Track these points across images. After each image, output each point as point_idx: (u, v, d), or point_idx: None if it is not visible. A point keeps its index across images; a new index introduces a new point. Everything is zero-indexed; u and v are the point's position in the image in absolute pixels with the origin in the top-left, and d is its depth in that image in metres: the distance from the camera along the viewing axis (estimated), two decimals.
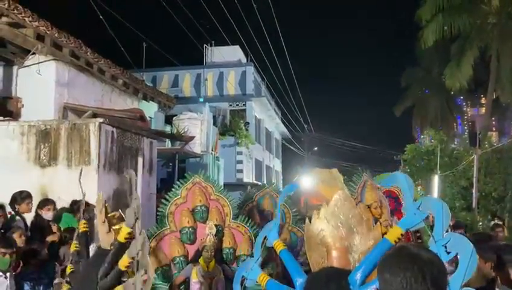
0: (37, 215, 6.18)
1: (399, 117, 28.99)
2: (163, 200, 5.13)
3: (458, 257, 2.27)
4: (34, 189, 6.52)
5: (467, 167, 18.16)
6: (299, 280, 2.88)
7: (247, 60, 25.25)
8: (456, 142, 25.53)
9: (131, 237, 2.85)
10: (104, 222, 3.05)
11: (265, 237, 3.33)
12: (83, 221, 3.76)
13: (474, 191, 15.85)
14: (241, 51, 25.34)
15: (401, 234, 2.60)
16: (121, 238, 2.86)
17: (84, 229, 3.70)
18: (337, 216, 3.01)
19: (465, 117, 28.63)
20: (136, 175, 7.75)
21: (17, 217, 5.90)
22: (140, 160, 7.91)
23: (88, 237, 3.81)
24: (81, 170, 4.01)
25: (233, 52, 24.66)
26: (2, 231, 5.51)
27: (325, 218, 3.02)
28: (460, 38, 20.74)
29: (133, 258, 2.75)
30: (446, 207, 2.43)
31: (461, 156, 19.53)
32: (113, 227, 3.06)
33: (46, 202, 6.29)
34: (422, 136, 27.74)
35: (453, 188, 18.55)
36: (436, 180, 17.69)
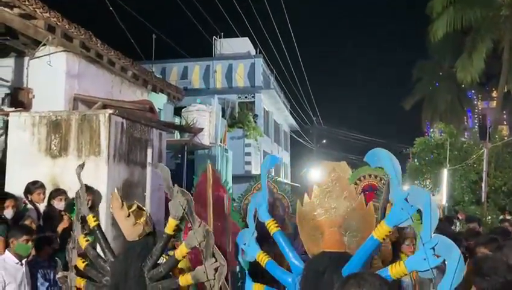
0: (49, 205, 6.28)
1: (408, 110, 28.84)
2: None
3: (446, 263, 2.19)
4: (45, 179, 6.60)
5: (476, 160, 18.04)
6: (297, 265, 2.86)
7: (256, 52, 25.20)
8: (466, 136, 25.36)
9: (178, 228, 3.13)
10: (128, 216, 3.16)
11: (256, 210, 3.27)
12: (91, 215, 3.69)
13: (483, 185, 15.75)
14: (250, 42, 25.29)
15: (389, 231, 2.44)
16: (169, 230, 3.08)
17: (96, 222, 3.66)
18: (329, 198, 2.83)
19: (476, 110, 28.41)
20: (145, 166, 7.85)
21: (30, 207, 6.00)
22: (149, 151, 7.94)
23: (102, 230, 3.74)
24: (83, 163, 4.07)
25: (243, 44, 24.63)
26: (13, 220, 5.61)
27: (317, 199, 2.87)
28: (472, 31, 20.54)
29: (192, 248, 2.96)
30: (434, 202, 2.26)
31: (471, 149, 19.40)
32: (139, 220, 3.18)
33: (58, 192, 6.38)
34: (431, 130, 27.58)
35: (462, 182, 18.46)
36: (445, 174, 17.61)
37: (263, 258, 3.08)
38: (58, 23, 7.70)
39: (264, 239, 3.20)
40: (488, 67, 20.98)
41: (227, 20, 18.64)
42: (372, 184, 6.46)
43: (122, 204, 3.24)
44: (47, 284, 4.93)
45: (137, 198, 7.57)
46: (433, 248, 2.20)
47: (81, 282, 3.56)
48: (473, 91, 28.00)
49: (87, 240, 3.64)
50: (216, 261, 2.86)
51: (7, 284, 4.39)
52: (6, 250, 4.62)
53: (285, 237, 3.09)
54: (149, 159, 7.94)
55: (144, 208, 3.34)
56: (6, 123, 7.20)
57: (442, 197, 16.78)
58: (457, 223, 11.19)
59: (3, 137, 7.25)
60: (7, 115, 7.21)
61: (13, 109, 7.52)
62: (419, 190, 2.39)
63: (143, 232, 3.22)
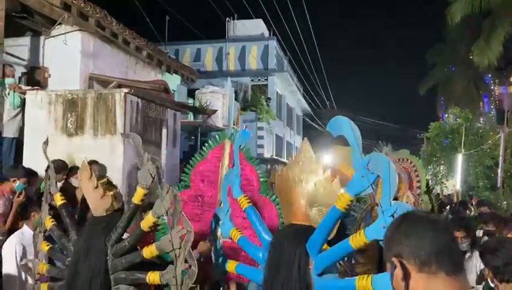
0: (66, 182, 6.35)
1: (423, 95, 28.48)
2: None
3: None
4: (62, 157, 6.63)
5: (492, 145, 17.84)
6: (266, 239, 2.81)
7: (270, 34, 24.97)
8: (481, 121, 25.04)
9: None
10: (96, 187, 2.94)
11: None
12: (59, 193, 3.37)
13: (499, 170, 15.59)
14: (264, 24, 25.07)
15: (351, 200, 2.38)
16: (137, 199, 2.81)
17: (64, 201, 3.33)
18: (300, 170, 2.76)
19: (493, 95, 27.96)
20: (160, 146, 7.87)
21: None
22: (164, 131, 7.96)
23: (70, 209, 3.43)
24: (47, 139, 3.68)
25: (256, 26, 24.40)
26: (36, 197, 5.69)
27: (290, 171, 2.80)
28: (490, 14, 20.11)
29: (158, 217, 2.73)
30: (393, 168, 2.20)
31: (486, 134, 19.18)
32: (108, 193, 2.94)
33: (75, 170, 6.44)
34: (446, 115, 27.26)
35: (477, 167, 18.29)
36: (459, 159, 17.46)
37: (236, 235, 3.07)
38: (74, 2, 7.70)
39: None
40: (507, 51, 20.55)
41: (241, 1, 18.56)
42: (404, 167, 6.45)
43: (91, 174, 2.97)
44: (64, 257, 5.00)
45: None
46: (393, 215, 2.13)
47: (43, 268, 3.29)
48: (489, 76, 27.52)
49: (52, 221, 3.34)
50: (183, 228, 2.62)
51: (25, 254, 4.46)
52: (24, 224, 4.69)
53: (256, 212, 3.06)
54: (164, 139, 7.97)
55: (115, 183, 3.08)
56: (23, 101, 7.25)
57: (456, 183, 16.67)
58: (472, 209, 11.12)
59: (20, 115, 7.31)
60: (24, 93, 7.26)
61: (30, 87, 7.57)
62: (379, 156, 2.33)
63: (111, 207, 2.95)
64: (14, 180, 5.33)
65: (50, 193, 3.39)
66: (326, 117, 34.58)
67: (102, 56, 8.72)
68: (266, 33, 25.28)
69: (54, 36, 8.11)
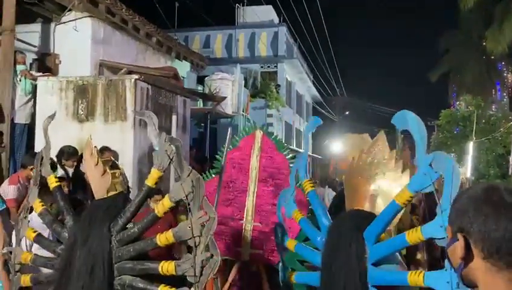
0: (77, 170, 6.41)
1: (435, 82, 28.20)
2: None
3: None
4: (73, 143, 6.70)
5: (503, 133, 17.66)
6: (325, 223, 2.77)
7: (280, 20, 24.79)
8: (494, 109, 24.78)
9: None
10: (97, 164, 2.71)
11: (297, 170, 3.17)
12: (53, 175, 3.04)
13: (511, 158, 15.46)
14: (274, 10, 24.88)
15: (411, 197, 2.32)
16: (150, 182, 2.54)
17: (58, 183, 2.98)
18: (372, 159, 2.79)
19: (505, 83, 27.61)
20: (170, 133, 7.90)
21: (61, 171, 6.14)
22: (174, 118, 7.98)
23: (63, 192, 3.11)
24: (53, 114, 3.22)
25: (266, 12, 24.22)
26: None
27: (360, 161, 2.84)
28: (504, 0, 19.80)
29: (177, 202, 2.46)
30: (457, 169, 2.14)
31: (498, 122, 18.99)
32: (110, 171, 2.70)
33: (82, 156, 6.51)
34: (458, 102, 27.00)
35: (488, 155, 18.15)
36: (470, 146, 17.31)
37: (297, 215, 3.06)
38: None
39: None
40: None
41: None
42: None
43: (92, 151, 2.74)
44: None
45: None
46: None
47: (27, 256, 2.97)
48: (503, 63, 27.16)
49: (42, 205, 3.04)
50: (205, 214, 2.37)
51: (33, 243, 4.51)
52: (33, 211, 4.73)
53: (317, 196, 3.05)
54: (174, 126, 7.99)
55: (120, 166, 2.87)
56: (34, 88, 7.30)
57: (467, 171, 16.55)
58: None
59: (32, 101, 7.36)
60: (35, 79, 7.30)
61: (41, 73, 7.61)
62: (443, 156, 2.31)
63: (112, 187, 2.70)
64: (32, 168, 5.39)
65: (41, 175, 3.04)
66: (336, 104, 34.43)
67: (113, 42, 8.73)
68: (276, 19, 25.09)
69: (64, 22, 8.13)
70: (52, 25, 8.25)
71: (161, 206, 2.50)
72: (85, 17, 8.12)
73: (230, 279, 4.52)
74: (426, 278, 2.21)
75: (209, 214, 2.36)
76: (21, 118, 7.25)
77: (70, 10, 7.95)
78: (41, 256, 2.94)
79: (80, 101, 7.12)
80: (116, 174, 2.71)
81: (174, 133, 7.84)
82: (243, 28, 24.10)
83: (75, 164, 6.38)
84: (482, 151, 18.24)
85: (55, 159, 6.27)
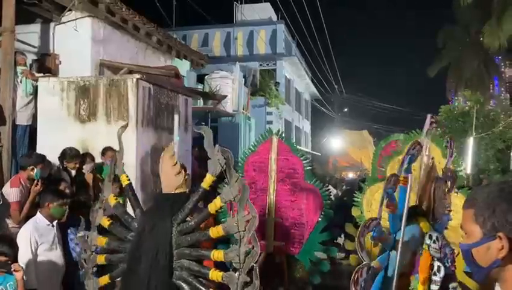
0: (79, 171, 6.39)
1: (433, 78, 28.18)
2: None
3: None
4: (75, 144, 6.68)
5: (503, 128, 17.67)
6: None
7: (278, 18, 24.74)
8: (492, 104, 24.79)
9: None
10: (174, 165, 3.27)
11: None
12: (125, 174, 3.69)
13: (511, 153, 15.47)
14: (272, 8, 24.82)
15: None
16: (206, 185, 3.11)
17: (129, 181, 3.66)
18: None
19: (503, 78, 27.61)
20: (173, 132, 7.87)
21: (63, 172, 6.10)
22: (176, 117, 7.94)
23: (133, 189, 3.75)
24: (126, 124, 4.13)
25: (264, 10, 24.17)
26: (46, 182, 5.72)
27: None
28: None
29: (225, 202, 3.05)
30: None
31: (498, 117, 18.99)
32: (184, 173, 3.28)
33: (88, 157, 6.48)
34: (456, 98, 26.99)
35: (488, 150, 18.15)
36: (470, 142, 17.30)
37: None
38: None
39: None
40: None
41: None
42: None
43: (173, 154, 3.37)
44: None
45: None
46: None
47: (102, 240, 3.59)
48: (500, 57, 27.15)
49: (116, 199, 3.68)
50: (248, 213, 2.90)
51: (40, 244, 4.48)
52: (38, 212, 4.71)
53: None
54: (176, 125, 7.96)
55: (187, 171, 3.44)
56: (35, 88, 7.25)
57: (467, 166, 16.56)
58: None
59: (33, 102, 7.31)
60: (36, 80, 7.26)
61: (41, 74, 7.56)
62: None
63: (180, 186, 3.26)
64: (32, 169, 5.35)
65: (115, 174, 3.69)
66: (335, 101, 34.41)
67: (113, 42, 8.68)
68: (274, 17, 25.04)
69: (64, 23, 8.08)
70: (52, 25, 8.21)
71: (213, 205, 3.08)
72: (85, 17, 8.08)
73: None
74: None
75: (252, 214, 2.90)
76: (22, 119, 7.21)
77: (70, 10, 7.91)
78: (114, 241, 3.56)
79: (81, 102, 7.08)
80: (186, 177, 3.30)
81: (176, 133, 7.81)
82: (241, 26, 24.06)
83: (78, 165, 6.35)
84: (482, 147, 18.24)
85: (56, 160, 6.27)
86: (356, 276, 3.21)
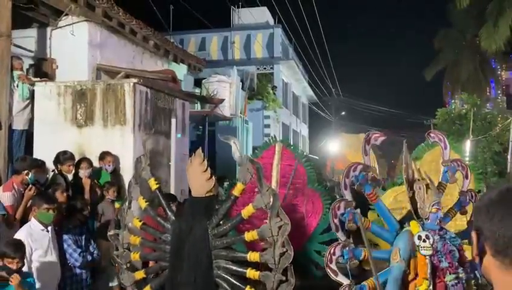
0: (76, 175, 6.35)
1: (429, 81, 28.25)
2: None
3: None
4: (71, 148, 6.66)
5: (500, 131, 17.69)
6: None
7: (275, 22, 24.77)
8: (489, 106, 24.85)
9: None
10: (205, 171, 3.52)
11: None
12: (153, 178, 3.93)
13: (509, 156, 15.49)
14: (269, 12, 24.85)
15: None
16: (237, 192, 3.43)
17: (158, 185, 3.92)
18: None
19: (499, 81, 27.70)
20: (170, 136, 7.86)
21: (59, 177, 6.06)
22: (173, 121, 7.93)
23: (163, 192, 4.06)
24: (150, 135, 4.42)
25: (261, 14, 24.19)
26: (43, 188, 5.69)
27: None
28: None
29: (257, 209, 3.33)
30: None
31: (494, 120, 19.01)
32: (214, 178, 3.55)
33: (81, 161, 6.44)
34: (453, 101, 27.04)
35: (485, 153, 18.16)
36: (468, 145, 17.31)
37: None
38: None
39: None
40: None
41: None
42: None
43: (203, 160, 3.61)
44: (79, 250, 5.01)
45: (163, 167, 7.62)
46: None
47: (136, 239, 3.82)
48: (496, 60, 27.24)
49: (146, 202, 3.90)
50: (281, 220, 3.17)
51: (34, 250, 4.45)
52: (32, 217, 4.68)
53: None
54: (173, 129, 7.95)
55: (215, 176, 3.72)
56: (32, 93, 7.23)
57: None
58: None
59: (29, 107, 7.28)
60: (33, 84, 7.24)
61: (38, 79, 7.54)
62: None
63: (210, 191, 3.51)
64: (27, 173, 5.32)
65: (140, 176, 3.97)
66: (332, 105, 34.42)
67: (110, 46, 8.67)
68: (271, 21, 25.07)
69: (60, 27, 8.06)
70: (49, 29, 8.18)
71: (246, 211, 3.39)
72: (81, 21, 8.06)
73: None
74: None
75: (284, 220, 3.19)
76: (19, 124, 7.17)
77: (66, 15, 7.89)
78: (148, 241, 3.92)
79: (78, 106, 7.06)
80: (214, 181, 3.56)
81: (173, 137, 7.80)
82: (238, 30, 24.08)
83: (72, 168, 6.31)
84: (479, 149, 18.26)
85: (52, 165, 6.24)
86: None
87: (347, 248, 3.80)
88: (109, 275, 5.60)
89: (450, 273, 3.37)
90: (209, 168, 3.56)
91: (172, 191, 7.46)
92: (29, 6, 7.50)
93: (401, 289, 3.50)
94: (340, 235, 3.91)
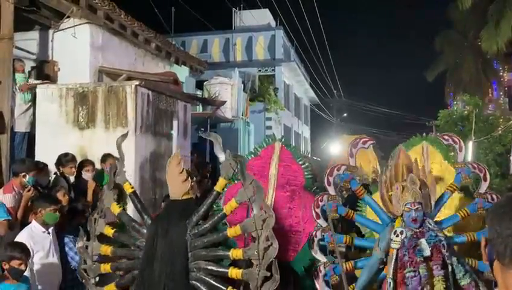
0: (78, 177, 6.35)
1: (431, 82, 28.23)
2: None
3: None
4: (73, 150, 6.66)
5: (503, 132, 17.64)
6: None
7: (277, 24, 24.79)
8: (491, 108, 24.81)
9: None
10: (181, 172, 3.39)
11: None
12: (128, 182, 3.76)
13: (511, 157, 15.44)
14: (270, 14, 24.87)
15: None
16: (219, 188, 3.31)
17: (133, 189, 3.76)
18: None
19: (502, 82, 27.65)
20: (172, 138, 7.85)
21: (61, 179, 6.07)
22: (175, 123, 7.93)
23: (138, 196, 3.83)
24: (126, 133, 4.17)
25: (263, 16, 24.21)
26: (45, 190, 5.69)
27: None
28: None
29: (239, 203, 3.20)
30: None
31: (497, 121, 18.96)
32: (190, 180, 3.43)
33: (85, 163, 6.44)
34: (455, 102, 27.00)
35: (487, 154, 18.11)
36: (470, 146, 17.27)
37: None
38: None
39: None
40: None
41: None
42: None
43: (180, 162, 3.47)
44: None
45: (164, 169, 7.61)
46: None
47: (107, 249, 3.62)
48: (498, 62, 27.20)
49: (120, 207, 3.72)
50: (265, 213, 3.06)
51: (35, 252, 4.45)
52: (33, 219, 4.68)
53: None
54: (175, 131, 7.94)
55: (194, 177, 3.65)
56: (34, 95, 7.24)
57: None
58: None
59: (31, 109, 7.30)
60: (35, 87, 7.25)
61: (40, 81, 7.55)
62: None
63: (187, 193, 3.38)
64: (24, 175, 5.32)
65: (115, 181, 3.78)
66: (334, 106, 34.40)
67: (111, 49, 8.68)
68: (273, 23, 25.09)
69: (62, 29, 8.08)
70: (51, 32, 8.20)
71: (228, 206, 3.25)
72: (83, 23, 8.07)
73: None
74: None
75: (268, 213, 3.06)
76: (21, 126, 7.19)
77: (68, 17, 7.91)
78: (121, 248, 3.66)
79: (80, 108, 7.07)
80: (192, 183, 3.45)
81: (175, 139, 7.79)
82: (240, 31, 24.10)
83: (74, 170, 6.31)
84: (481, 151, 18.21)
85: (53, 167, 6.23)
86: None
87: (328, 233, 4.21)
88: (109, 277, 5.59)
89: (408, 267, 3.66)
90: (185, 170, 3.43)
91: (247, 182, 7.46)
92: (31, 9, 7.51)
93: (374, 275, 3.98)
94: (321, 222, 4.30)
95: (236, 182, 5.20)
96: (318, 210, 4.30)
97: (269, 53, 23.94)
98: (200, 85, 14.93)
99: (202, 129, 13.18)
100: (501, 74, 28.69)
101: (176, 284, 3.14)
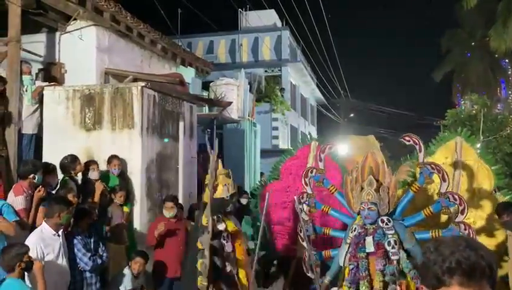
0: (85, 178, 6.38)
1: (439, 82, 28.06)
2: None
3: None
4: (80, 152, 6.70)
5: (511, 131, 17.50)
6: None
7: (283, 24, 24.76)
8: (499, 107, 24.62)
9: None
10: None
11: None
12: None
13: None
14: (276, 14, 24.85)
15: None
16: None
17: None
18: None
19: (510, 81, 27.41)
20: (178, 140, 7.86)
21: (70, 180, 6.08)
22: (181, 124, 7.95)
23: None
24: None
25: (269, 16, 24.19)
26: (53, 192, 5.71)
27: None
28: None
29: None
30: None
31: (505, 120, 18.81)
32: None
33: (90, 163, 6.47)
34: (463, 102, 26.82)
35: (496, 154, 17.96)
36: (478, 146, 17.14)
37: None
38: None
39: None
40: None
41: None
42: None
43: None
44: (89, 254, 5.01)
45: (171, 170, 7.63)
46: None
47: None
48: (506, 60, 26.99)
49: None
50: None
51: (46, 254, 4.46)
52: (43, 222, 4.69)
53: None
54: (181, 132, 7.96)
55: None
56: (41, 97, 7.28)
57: None
58: None
59: (39, 111, 7.34)
60: (42, 89, 7.29)
61: (47, 83, 7.59)
62: None
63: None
64: (33, 177, 5.34)
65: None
66: (341, 107, 34.29)
67: (118, 50, 8.71)
68: (279, 23, 25.07)
69: (69, 32, 8.12)
70: (57, 34, 8.25)
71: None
72: (90, 25, 8.11)
73: (290, 274, 5.39)
74: None
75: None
76: (28, 128, 7.23)
77: (75, 19, 7.95)
78: None
79: (86, 110, 7.10)
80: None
81: (181, 140, 7.81)
82: (246, 32, 24.10)
83: (80, 168, 6.31)
84: (490, 150, 18.05)
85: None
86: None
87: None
88: (118, 279, 5.60)
89: (350, 260, 4.11)
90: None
91: (180, 194, 7.48)
92: (38, 12, 7.57)
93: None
94: (303, 216, 4.60)
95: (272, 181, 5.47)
96: (300, 206, 4.63)
97: (275, 53, 23.92)
98: (206, 86, 14.93)
99: (208, 130, 13.19)
100: (510, 72, 28.46)
101: None
